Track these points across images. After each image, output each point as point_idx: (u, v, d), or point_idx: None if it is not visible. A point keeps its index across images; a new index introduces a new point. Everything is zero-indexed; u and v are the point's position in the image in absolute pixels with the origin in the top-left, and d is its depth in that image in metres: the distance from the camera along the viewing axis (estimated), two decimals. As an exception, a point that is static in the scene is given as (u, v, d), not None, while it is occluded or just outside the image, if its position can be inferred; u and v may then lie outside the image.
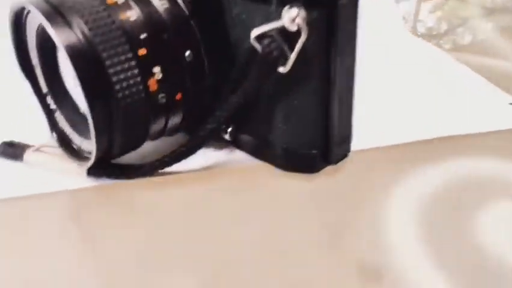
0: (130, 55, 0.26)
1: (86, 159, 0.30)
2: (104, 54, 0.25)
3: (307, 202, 0.30)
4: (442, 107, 0.39)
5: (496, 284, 0.23)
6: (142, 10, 0.27)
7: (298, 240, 0.26)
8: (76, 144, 0.32)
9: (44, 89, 0.32)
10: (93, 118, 0.25)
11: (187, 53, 0.28)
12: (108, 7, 0.26)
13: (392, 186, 0.30)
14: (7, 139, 0.34)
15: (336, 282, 0.23)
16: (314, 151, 0.30)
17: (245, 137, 0.32)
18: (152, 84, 0.27)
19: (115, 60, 0.25)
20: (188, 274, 0.24)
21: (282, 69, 0.26)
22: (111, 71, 0.25)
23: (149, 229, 0.27)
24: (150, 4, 0.28)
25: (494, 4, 0.66)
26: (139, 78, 0.26)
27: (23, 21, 0.29)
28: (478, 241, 0.25)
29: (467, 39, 0.60)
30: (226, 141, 0.33)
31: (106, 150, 0.28)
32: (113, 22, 0.26)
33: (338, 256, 0.25)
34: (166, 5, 0.28)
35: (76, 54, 0.25)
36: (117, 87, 0.26)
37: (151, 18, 0.27)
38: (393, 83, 0.42)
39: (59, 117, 0.32)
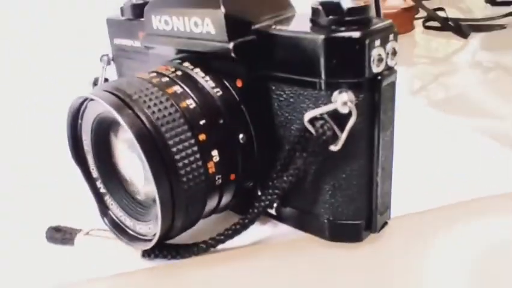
0: (192, 141, 0.28)
1: (140, 241, 0.31)
2: (171, 142, 0.27)
3: (355, 271, 0.31)
4: (458, 171, 0.41)
5: None
6: (198, 98, 0.30)
7: None
8: (127, 227, 0.32)
9: (95, 174, 0.33)
10: (160, 201, 0.26)
11: (241, 135, 0.30)
12: (170, 96, 0.29)
13: (433, 250, 0.31)
14: (54, 224, 0.35)
15: None
16: (359, 221, 0.31)
17: (289, 211, 0.34)
18: (211, 167, 0.29)
19: (180, 146, 0.27)
20: None
21: (333, 148, 0.28)
22: (177, 157, 0.27)
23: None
24: (205, 92, 0.30)
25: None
26: (200, 162, 0.28)
27: (82, 110, 0.31)
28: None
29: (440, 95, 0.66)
30: (270, 215, 0.34)
31: (167, 231, 0.29)
32: (176, 111, 0.28)
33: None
34: (220, 92, 0.30)
35: (146, 143, 0.26)
36: (182, 171, 0.27)
37: (207, 105, 0.30)
38: (408, 149, 0.45)
39: (109, 201, 0.33)
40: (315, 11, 0.29)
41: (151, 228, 0.30)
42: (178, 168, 0.27)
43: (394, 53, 0.28)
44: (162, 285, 0.30)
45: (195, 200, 0.29)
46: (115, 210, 0.33)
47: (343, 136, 0.27)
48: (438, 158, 0.44)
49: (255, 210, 0.30)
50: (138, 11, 0.39)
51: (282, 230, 0.34)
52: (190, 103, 0.29)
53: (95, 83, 0.44)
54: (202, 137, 0.28)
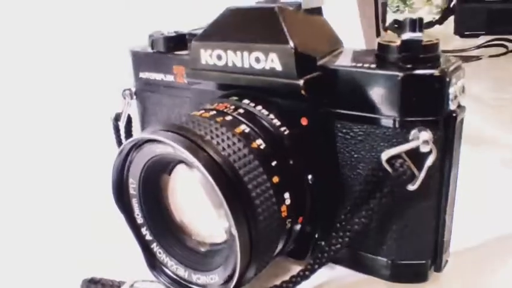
0: (268, 184, 0.26)
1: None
2: (250, 186, 0.25)
3: None
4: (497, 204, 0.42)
5: None
6: (266, 137, 0.28)
7: None
8: (180, 278, 0.30)
9: (140, 220, 0.30)
10: (240, 244, 0.24)
11: (309, 176, 0.29)
12: (237, 136, 0.27)
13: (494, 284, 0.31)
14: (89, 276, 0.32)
15: None
16: (424, 261, 0.30)
17: (347, 252, 0.32)
18: (284, 211, 0.27)
19: (258, 190, 0.25)
20: None
21: (411, 188, 0.27)
22: (257, 201, 0.25)
23: None
24: (272, 131, 0.29)
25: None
26: (276, 206, 0.26)
27: (133, 152, 0.28)
28: None
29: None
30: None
31: (240, 277, 0.26)
32: (250, 152, 0.26)
33: None
34: (287, 131, 0.29)
35: (225, 188, 0.24)
36: (260, 217, 0.25)
37: (276, 145, 0.28)
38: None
39: (156, 248, 0.30)
40: (383, 46, 0.28)
41: (215, 278, 0.28)
42: (257, 213, 0.25)
43: (463, 90, 0.28)
44: None
45: (269, 244, 0.27)
46: (165, 259, 0.30)
47: (422, 175, 0.27)
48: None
49: (325, 255, 0.28)
50: (172, 45, 0.37)
51: (340, 272, 0.33)
52: (260, 143, 0.27)
53: (116, 119, 0.41)
54: (275, 179, 0.27)
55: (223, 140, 0.26)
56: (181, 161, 0.28)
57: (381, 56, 0.28)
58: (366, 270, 0.32)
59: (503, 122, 0.62)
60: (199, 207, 0.28)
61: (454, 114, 0.27)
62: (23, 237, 0.39)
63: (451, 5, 0.89)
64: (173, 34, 0.37)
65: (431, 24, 1.01)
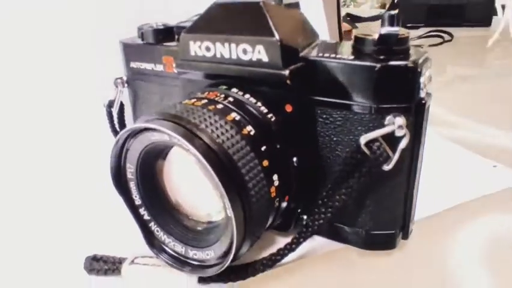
0: (259, 168, 0.25)
1: (197, 267, 0.28)
2: (243, 171, 0.24)
3: (391, 275, 0.30)
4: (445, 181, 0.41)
5: None
6: (256, 124, 0.27)
7: None
8: (177, 253, 0.28)
9: (137, 201, 0.29)
10: (236, 222, 0.23)
11: (294, 159, 0.28)
12: (229, 123, 0.25)
13: (451, 247, 0.32)
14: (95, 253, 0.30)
15: None
16: (395, 230, 0.31)
17: (326, 224, 0.32)
18: (273, 191, 0.26)
19: (251, 174, 0.24)
20: None
21: (386, 167, 0.26)
22: (250, 185, 0.24)
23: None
24: (260, 118, 0.27)
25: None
26: (266, 188, 0.25)
27: (130, 139, 0.27)
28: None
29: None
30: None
31: (236, 252, 0.26)
32: (242, 139, 0.25)
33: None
34: (273, 117, 0.28)
35: (223, 175, 0.23)
36: (253, 199, 0.24)
37: (265, 131, 0.27)
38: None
39: (154, 227, 0.29)
40: (359, 39, 0.27)
41: (210, 254, 0.27)
42: (250, 195, 0.24)
43: (430, 79, 0.28)
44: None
45: (260, 221, 0.26)
46: (162, 236, 0.29)
47: (396, 156, 0.26)
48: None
49: (309, 229, 0.28)
50: (161, 37, 0.35)
51: (319, 242, 0.32)
52: (250, 130, 0.26)
53: (110, 106, 0.39)
54: (265, 163, 0.26)
55: (216, 128, 0.24)
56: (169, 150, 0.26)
57: (358, 48, 0.27)
58: (343, 239, 0.32)
59: (444, 101, 0.62)
60: (194, 188, 0.27)
61: (423, 101, 0.27)
62: (28, 219, 0.37)
63: (396, 1, 0.92)
64: (162, 27, 0.35)
65: (378, 17, 1.01)
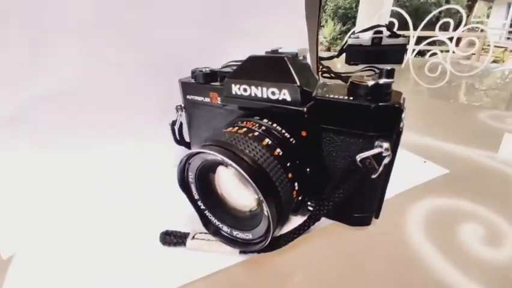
0: (286, 179, 0.21)
1: (237, 243, 0.24)
2: (276, 183, 0.20)
3: (369, 241, 0.26)
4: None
5: None
6: (282, 147, 0.22)
7: (376, 259, 0.23)
8: (225, 232, 0.24)
9: (196, 196, 0.25)
10: (271, 215, 0.19)
11: (308, 169, 0.24)
12: (266, 148, 0.21)
13: (404, 217, 0.28)
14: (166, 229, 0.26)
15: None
16: (371, 214, 0.27)
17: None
18: (295, 194, 0.22)
19: (280, 184, 0.20)
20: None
21: (373, 176, 0.22)
22: (279, 190, 0.20)
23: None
24: (285, 141, 0.23)
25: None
26: (290, 192, 0.21)
27: (191, 159, 0.22)
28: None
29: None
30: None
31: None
32: (274, 159, 0.21)
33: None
34: (294, 141, 0.23)
35: (261, 185, 0.19)
36: (283, 198, 0.20)
37: (289, 151, 0.22)
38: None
39: (208, 214, 0.25)
40: (355, 84, 0.22)
41: (249, 236, 0.23)
42: (280, 197, 0.20)
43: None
44: (260, 271, 0.23)
45: (287, 214, 0.22)
46: (213, 220, 0.25)
47: (381, 169, 0.22)
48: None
49: (317, 216, 0.24)
50: (208, 78, 0.29)
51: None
52: (279, 151, 0.22)
53: (173, 124, 0.34)
54: (290, 175, 0.21)
55: (256, 152, 0.20)
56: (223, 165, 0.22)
57: (352, 90, 0.22)
58: (338, 218, 0.27)
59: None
60: (237, 193, 0.23)
61: (401, 129, 0.22)
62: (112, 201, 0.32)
63: (344, 47, 0.88)
64: (209, 71, 0.30)
65: (333, 57, 0.97)
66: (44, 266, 0.24)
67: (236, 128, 0.23)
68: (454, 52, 0.87)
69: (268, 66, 0.23)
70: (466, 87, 0.62)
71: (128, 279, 0.22)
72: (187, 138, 0.36)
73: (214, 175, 0.24)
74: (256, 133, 0.22)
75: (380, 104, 0.21)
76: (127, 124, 0.34)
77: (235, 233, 0.24)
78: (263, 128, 0.23)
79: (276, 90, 0.23)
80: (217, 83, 0.29)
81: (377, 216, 0.27)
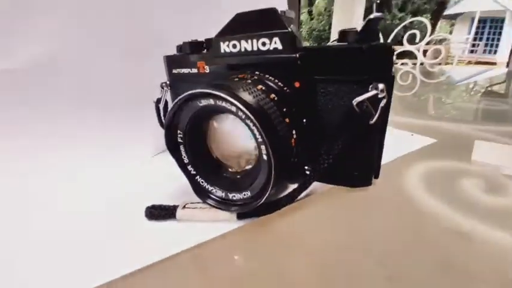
0: (284, 123, 0.19)
1: (235, 205, 0.21)
2: (275, 122, 0.18)
3: (373, 201, 0.25)
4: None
5: None
6: (277, 93, 0.21)
7: (383, 216, 0.21)
8: (219, 197, 0.22)
9: (186, 160, 0.23)
10: (273, 156, 0.17)
11: (304, 120, 0.23)
12: (259, 90, 0.20)
13: (401, 178, 0.27)
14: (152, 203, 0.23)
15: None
16: (371, 172, 0.25)
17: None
18: (293, 143, 0.21)
19: (279, 126, 0.19)
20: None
21: (371, 122, 0.21)
22: (280, 133, 0.18)
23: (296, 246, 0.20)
24: (279, 90, 0.22)
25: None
26: (289, 139, 0.20)
27: (179, 112, 0.20)
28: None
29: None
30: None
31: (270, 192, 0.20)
32: (270, 101, 0.19)
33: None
34: (288, 90, 0.22)
35: (263, 122, 0.17)
36: (282, 143, 0.19)
37: (284, 98, 0.21)
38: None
39: (199, 180, 0.23)
40: (343, 32, 0.22)
41: (247, 194, 0.21)
42: (281, 143, 0.19)
43: (394, 60, 0.23)
44: (261, 236, 0.21)
45: (285, 166, 0.20)
46: (206, 185, 0.23)
47: (378, 113, 0.21)
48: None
49: (313, 177, 0.22)
50: (194, 48, 0.29)
51: (316, 185, 0.26)
52: (274, 96, 0.20)
53: (158, 102, 0.32)
54: (287, 120, 0.20)
55: (251, 92, 0.19)
56: (217, 113, 0.20)
57: (342, 38, 0.22)
58: (336, 182, 0.26)
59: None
60: (232, 144, 0.21)
61: (393, 74, 0.22)
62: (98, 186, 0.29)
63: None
64: (194, 41, 0.29)
65: None
66: (28, 246, 0.20)
67: (229, 80, 0.22)
68: (422, 64, 0.93)
69: (256, 19, 0.23)
70: (433, 101, 0.65)
71: (114, 256, 0.19)
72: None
73: (207, 131, 0.22)
74: (249, 80, 0.21)
75: (372, 44, 0.21)
76: (106, 107, 0.32)
77: (231, 195, 0.22)
78: (255, 77, 0.22)
79: (266, 40, 0.22)
80: (204, 52, 0.28)
81: (376, 176, 0.26)
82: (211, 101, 0.19)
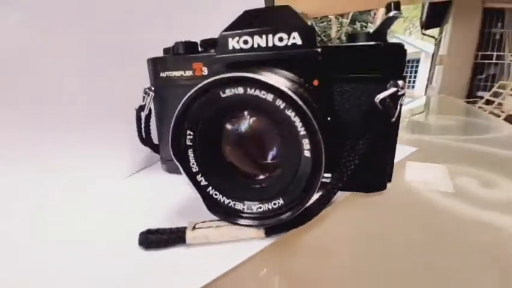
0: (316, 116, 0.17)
1: (261, 218, 0.18)
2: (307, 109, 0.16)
3: (387, 204, 0.24)
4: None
5: None
6: (300, 86, 0.19)
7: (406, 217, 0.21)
8: (239, 211, 0.18)
9: (195, 168, 0.18)
10: (323, 143, 0.15)
11: (329, 118, 0.21)
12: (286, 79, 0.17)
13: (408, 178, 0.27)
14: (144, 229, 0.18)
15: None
16: (385, 176, 0.24)
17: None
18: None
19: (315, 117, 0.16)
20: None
21: (392, 120, 0.21)
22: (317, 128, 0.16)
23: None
24: (302, 85, 0.20)
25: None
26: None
27: (194, 103, 0.17)
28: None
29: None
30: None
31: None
32: (306, 92, 0.17)
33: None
34: (311, 87, 0.21)
35: (301, 113, 0.15)
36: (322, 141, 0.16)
37: (307, 92, 0.19)
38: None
39: (212, 191, 0.18)
40: (351, 35, 0.23)
41: (279, 202, 0.17)
42: (325, 128, 0.16)
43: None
44: (293, 251, 0.17)
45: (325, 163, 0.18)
46: (221, 199, 0.18)
47: (398, 109, 0.21)
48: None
49: (344, 178, 0.20)
50: (190, 49, 0.26)
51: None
52: (297, 87, 0.18)
53: (140, 109, 0.27)
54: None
55: (277, 81, 0.16)
56: (239, 108, 0.17)
57: (353, 39, 0.22)
58: (351, 188, 0.24)
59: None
60: (255, 145, 0.18)
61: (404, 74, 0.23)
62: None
63: None
64: (188, 41, 0.26)
65: None
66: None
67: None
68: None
69: (269, 16, 0.21)
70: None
71: None
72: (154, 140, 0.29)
73: (222, 131, 0.19)
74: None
75: (389, 42, 0.21)
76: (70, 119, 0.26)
77: (255, 207, 0.18)
78: (275, 71, 0.20)
79: (284, 35, 0.21)
80: (202, 54, 0.26)
81: (389, 179, 0.25)
82: (240, 90, 0.16)
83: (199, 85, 0.16)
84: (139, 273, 0.15)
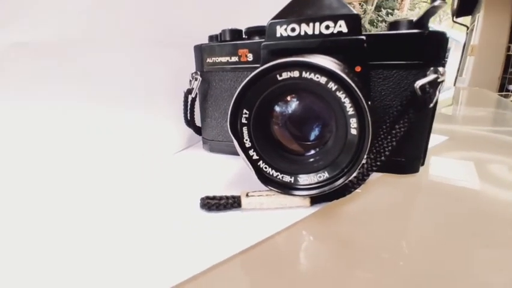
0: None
1: (310, 189, 0.20)
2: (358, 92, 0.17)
3: (421, 187, 0.25)
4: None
5: None
6: (348, 71, 0.20)
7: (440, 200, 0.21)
8: (286, 183, 0.20)
9: (248, 144, 0.21)
10: (365, 138, 0.17)
11: (369, 102, 0.22)
12: (336, 63, 0.19)
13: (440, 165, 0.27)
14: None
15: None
16: (418, 160, 0.26)
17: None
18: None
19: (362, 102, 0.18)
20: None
21: (430, 105, 0.22)
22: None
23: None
24: (348, 70, 0.21)
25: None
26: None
27: (252, 86, 0.19)
28: None
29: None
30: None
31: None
32: (354, 75, 0.19)
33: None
34: (356, 78, 0.22)
35: (351, 94, 0.16)
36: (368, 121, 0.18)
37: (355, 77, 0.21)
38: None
39: (262, 165, 0.21)
40: (393, 23, 0.23)
41: (323, 176, 0.19)
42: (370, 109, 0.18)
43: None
44: (338, 220, 0.19)
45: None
46: (271, 172, 0.21)
47: (437, 96, 0.22)
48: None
49: (382, 158, 0.22)
50: (236, 35, 0.28)
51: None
52: (348, 71, 0.20)
53: (188, 92, 0.30)
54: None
55: (330, 65, 0.18)
56: (292, 90, 0.19)
57: (394, 27, 0.23)
58: (386, 169, 0.26)
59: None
60: (305, 124, 0.20)
61: (446, 59, 0.24)
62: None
63: None
64: (234, 29, 0.28)
65: None
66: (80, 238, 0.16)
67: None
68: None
69: (318, 4, 0.23)
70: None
71: (178, 256, 0.16)
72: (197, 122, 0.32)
73: (273, 111, 0.21)
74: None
75: (431, 30, 0.22)
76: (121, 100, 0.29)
77: (301, 179, 0.20)
78: (322, 57, 0.21)
79: (330, 23, 0.22)
80: (247, 41, 0.27)
81: (423, 163, 0.27)
82: (295, 74, 0.17)
83: (260, 68, 0.18)
84: (203, 229, 0.18)
